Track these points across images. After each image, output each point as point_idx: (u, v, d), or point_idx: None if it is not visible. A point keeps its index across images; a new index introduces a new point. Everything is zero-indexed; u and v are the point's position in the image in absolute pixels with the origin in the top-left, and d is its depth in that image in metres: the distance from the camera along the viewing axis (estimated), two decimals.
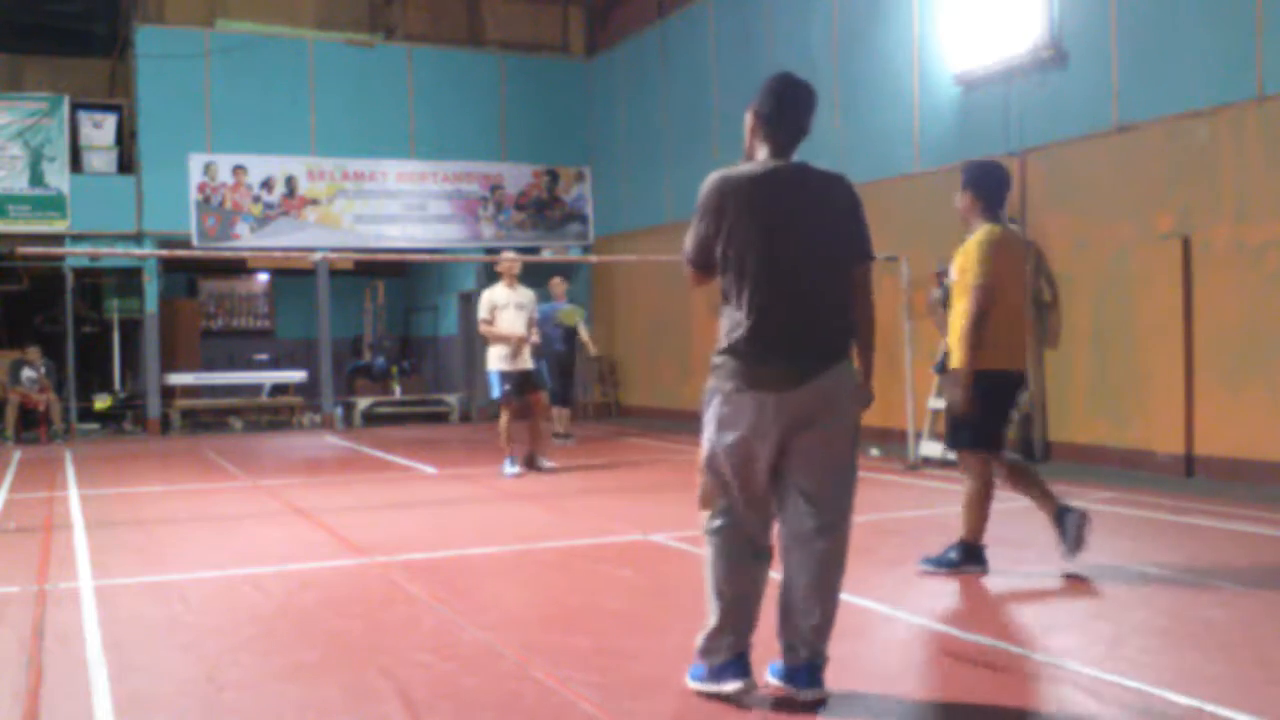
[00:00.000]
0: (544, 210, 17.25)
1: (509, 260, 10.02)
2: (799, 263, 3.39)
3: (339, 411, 16.57)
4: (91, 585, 5.41)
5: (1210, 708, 3.34)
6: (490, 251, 16.35)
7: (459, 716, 3.44)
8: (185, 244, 15.13)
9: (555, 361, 12.24)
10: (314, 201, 15.91)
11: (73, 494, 8.97)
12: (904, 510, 7.50)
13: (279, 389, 17.22)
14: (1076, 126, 9.36)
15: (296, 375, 17.25)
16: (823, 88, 12.08)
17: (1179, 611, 4.58)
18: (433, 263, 18.47)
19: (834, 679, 3.80)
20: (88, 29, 17.96)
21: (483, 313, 9.79)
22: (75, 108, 15.22)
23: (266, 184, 15.68)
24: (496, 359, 9.81)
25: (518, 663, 3.95)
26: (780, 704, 3.47)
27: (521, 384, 9.83)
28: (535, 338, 9.95)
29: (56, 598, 5.15)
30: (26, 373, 14.50)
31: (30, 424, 14.67)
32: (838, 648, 4.18)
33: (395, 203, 16.33)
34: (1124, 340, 8.99)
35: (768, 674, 3.58)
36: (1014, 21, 9.82)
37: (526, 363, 9.81)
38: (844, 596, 4.87)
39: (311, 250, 14.62)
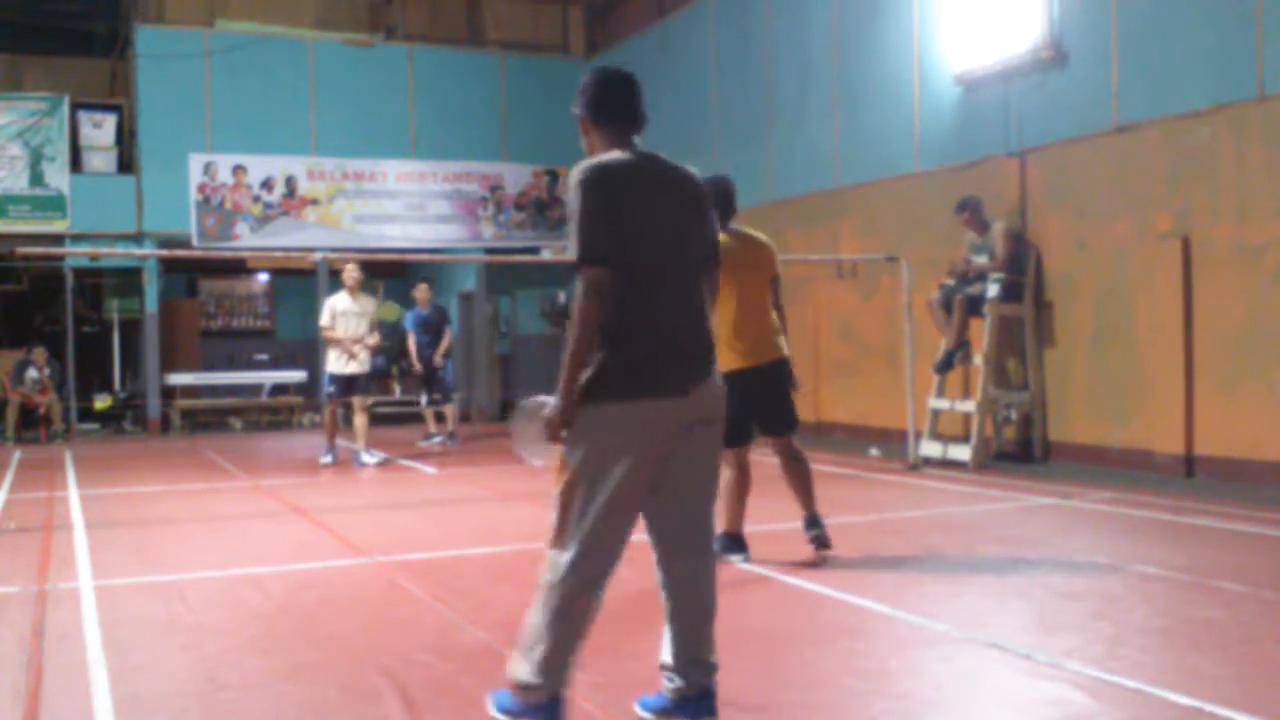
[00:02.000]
0: (544, 210, 17.25)
1: (351, 271, 10.85)
2: (669, 261, 3.18)
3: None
4: (91, 585, 5.40)
5: (1210, 708, 3.34)
6: (490, 251, 16.38)
7: (459, 716, 3.44)
8: (185, 244, 15.12)
9: (427, 362, 12.91)
10: (314, 201, 15.90)
11: (73, 494, 8.97)
12: (904, 510, 7.50)
13: (279, 389, 17.22)
14: (1076, 126, 9.36)
15: (296, 375, 17.24)
16: (822, 88, 12.29)
17: (1179, 611, 4.58)
18: (433, 263, 18.45)
19: (836, 678, 3.81)
20: (88, 29, 17.97)
21: (323, 319, 10.77)
22: (75, 108, 15.20)
23: (266, 184, 15.67)
24: (333, 361, 10.79)
25: None
26: None
27: (348, 386, 10.84)
28: (374, 340, 10.85)
29: (56, 598, 5.15)
30: (30, 373, 14.50)
31: (30, 424, 14.67)
32: (839, 645, 4.19)
33: (395, 203, 16.33)
34: (1124, 340, 8.99)
35: (638, 709, 3.36)
36: (1014, 21, 9.81)
37: (360, 367, 10.80)
38: (845, 595, 4.92)
39: (311, 250, 14.60)
